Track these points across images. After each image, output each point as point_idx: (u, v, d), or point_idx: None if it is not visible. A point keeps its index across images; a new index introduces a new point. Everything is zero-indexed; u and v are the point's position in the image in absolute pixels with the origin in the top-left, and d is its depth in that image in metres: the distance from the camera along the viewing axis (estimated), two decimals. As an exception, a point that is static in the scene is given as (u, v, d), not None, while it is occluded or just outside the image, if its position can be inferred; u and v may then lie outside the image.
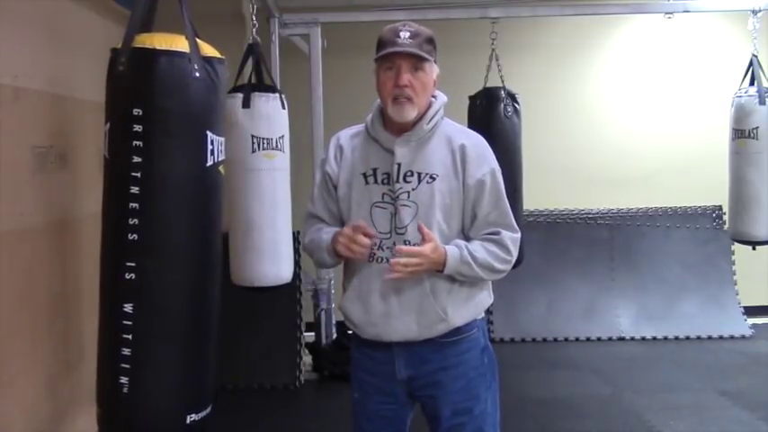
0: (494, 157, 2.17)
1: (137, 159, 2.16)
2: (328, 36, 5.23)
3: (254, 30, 3.84)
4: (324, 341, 5.22)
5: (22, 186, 2.99)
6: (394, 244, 2.07)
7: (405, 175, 2.09)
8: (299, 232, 4.08)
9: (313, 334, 5.25)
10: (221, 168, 2.33)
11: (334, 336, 5.28)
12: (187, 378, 2.29)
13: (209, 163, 2.25)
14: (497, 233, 2.11)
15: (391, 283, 2.08)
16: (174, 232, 2.23)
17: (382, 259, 2.09)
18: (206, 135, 2.23)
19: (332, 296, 5.23)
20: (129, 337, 2.20)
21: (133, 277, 2.19)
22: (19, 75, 2.97)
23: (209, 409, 2.36)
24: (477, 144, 2.16)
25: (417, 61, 2.06)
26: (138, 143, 2.16)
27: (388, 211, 2.10)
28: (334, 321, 5.29)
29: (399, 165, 2.09)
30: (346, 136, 2.23)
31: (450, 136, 2.14)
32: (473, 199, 2.11)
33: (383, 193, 2.11)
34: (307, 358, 5.07)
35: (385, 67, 2.08)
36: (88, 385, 3.60)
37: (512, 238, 2.13)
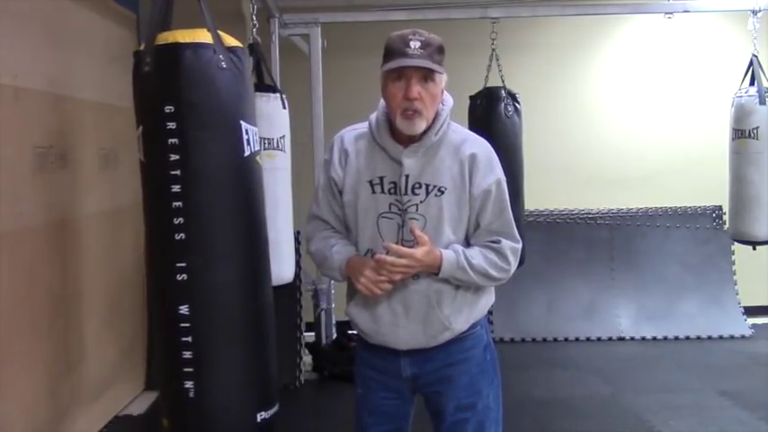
0: (500, 166, 2.15)
1: (174, 157, 2.11)
2: (328, 36, 5.23)
3: (254, 30, 3.84)
4: (324, 341, 5.21)
5: (22, 186, 2.99)
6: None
7: (413, 187, 2.07)
8: (299, 232, 4.09)
9: (313, 334, 5.24)
10: (259, 158, 2.30)
11: (335, 336, 5.27)
12: (252, 376, 2.23)
13: (247, 153, 2.21)
14: (498, 241, 2.11)
15: (398, 293, 2.08)
16: (221, 227, 2.18)
17: None
18: (240, 125, 2.19)
19: (332, 296, 5.22)
20: (189, 339, 2.13)
21: (185, 277, 2.13)
22: (19, 75, 2.97)
23: (277, 407, 2.30)
24: (486, 153, 2.13)
25: (428, 72, 2.02)
26: (173, 141, 2.11)
27: (394, 222, 2.09)
28: (334, 321, 5.28)
29: (407, 176, 2.07)
30: (350, 138, 2.18)
31: (458, 145, 2.11)
32: (478, 208, 2.10)
33: (390, 204, 2.09)
34: (307, 358, 5.06)
35: (393, 77, 2.03)
36: (88, 385, 3.62)
37: (512, 247, 2.12)
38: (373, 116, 2.15)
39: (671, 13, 5.15)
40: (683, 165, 6.21)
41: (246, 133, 2.21)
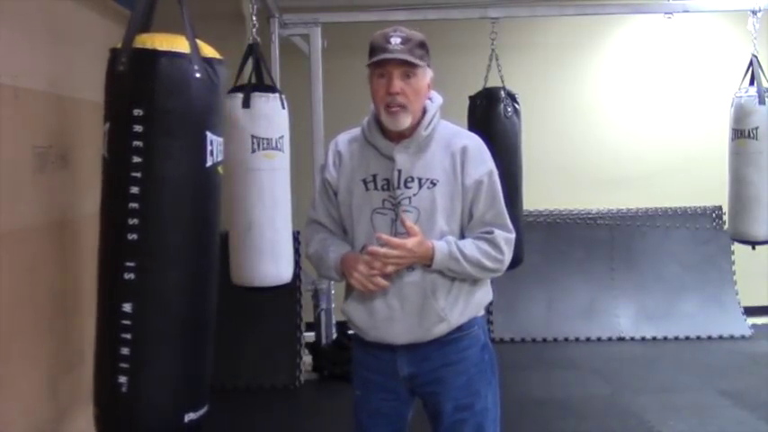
0: (491, 158, 2.18)
1: (137, 160, 2.17)
2: (328, 36, 5.23)
3: (254, 30, 3.85)
4: (324, 341, 5.22)
5: (22, 186, 2.99)
6: None
7: (405, 181, 2.10)
8: (298, 232, 4.09)
9: (313, 334, 5.25)
10: (220, 168, 2.35)
11: (335, 336, 5.28)
12: (185, 377, 2.30)
13: (209, 163, 2.27)
14: (491, 232, 2.13)
15: (393, 286, 2.09)
16: (174, 232, 2.23)
17: None
18: (206, 136, 2.24)
19: (332, 296, 5.23)
20: (129, 336, 2.20)
21: (132, 277, 2.20)
22: (19, 75, 2.97)
23: (205, 409, 2.37)
24: (477, 146, 2.17)
25: (409, 67, 2.05)
26: (138, 144, 2.16)
27: (388, 217, 2.11)
28: (334, 321, 5.29)
29: (400, 171, 2.10)
30: (344, 141, 2.24)
31: (449, 139, 2.15)
32: (470, 199, 2.12)
33: (383, 199, 2.12)
34: (307, 358, 5.07)
35: (377, 75, 2.08)
36: (88, 385, 3.60)
37: (505, 237, 2.13)
38: (365, 119, 2.20)
39: (670, 13, 5.16)
40: (682, 165, 6.21)
41: (211, 144, 2.26)
